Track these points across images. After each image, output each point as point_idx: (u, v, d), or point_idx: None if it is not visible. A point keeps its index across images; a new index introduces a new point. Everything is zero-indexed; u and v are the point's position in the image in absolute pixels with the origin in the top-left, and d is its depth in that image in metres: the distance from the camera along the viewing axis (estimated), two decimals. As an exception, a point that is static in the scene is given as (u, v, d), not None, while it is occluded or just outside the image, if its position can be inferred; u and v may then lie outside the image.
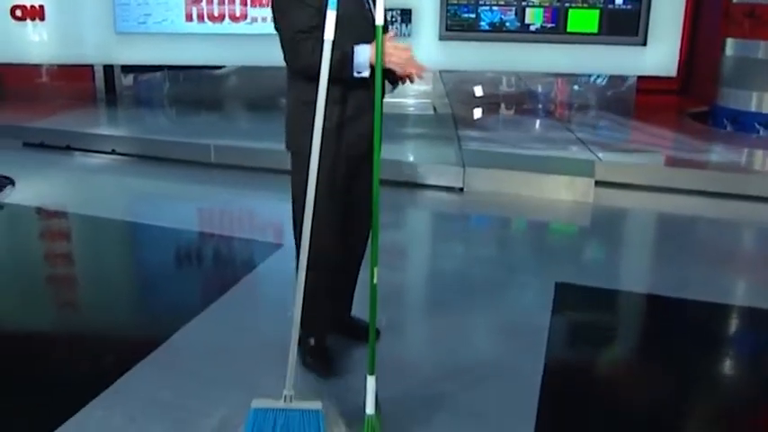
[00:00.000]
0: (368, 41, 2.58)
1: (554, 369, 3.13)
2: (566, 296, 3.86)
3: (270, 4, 2.77)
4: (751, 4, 6.99)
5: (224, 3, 7.78)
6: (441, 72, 8.86)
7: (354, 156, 2.82)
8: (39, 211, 5.45)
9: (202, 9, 7.81)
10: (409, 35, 7.52)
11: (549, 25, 7.51)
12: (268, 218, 5.43)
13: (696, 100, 8.50)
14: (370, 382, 2.50)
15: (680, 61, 7.72)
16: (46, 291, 4.19)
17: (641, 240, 5.32)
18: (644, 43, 7.48)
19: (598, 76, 8.95)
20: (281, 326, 2.90)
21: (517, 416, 2.79)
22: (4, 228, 5.29)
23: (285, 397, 2.47)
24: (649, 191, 5.78)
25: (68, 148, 6.99)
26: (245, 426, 2.43)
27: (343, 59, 2.57)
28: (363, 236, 3.01)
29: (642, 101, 8.65)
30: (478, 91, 9.10)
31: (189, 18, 7.84)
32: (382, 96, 2.56)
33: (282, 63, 2.77)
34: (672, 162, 6.39)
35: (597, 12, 7.45)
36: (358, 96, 2.74)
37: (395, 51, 2.62)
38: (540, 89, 9.20)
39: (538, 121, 8.02)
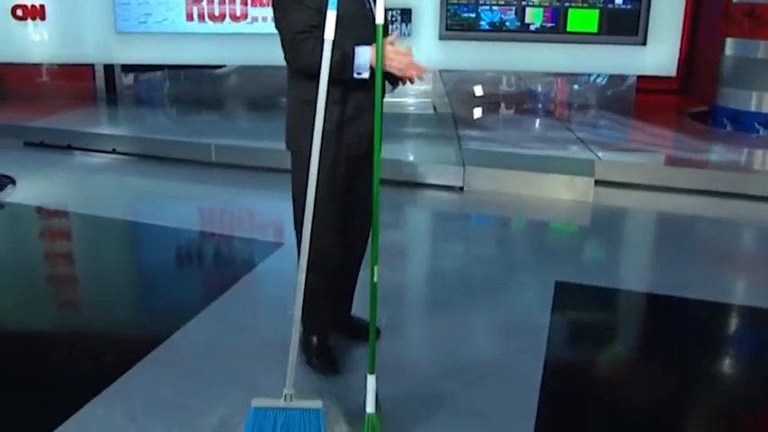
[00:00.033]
0: (368, 41, 2.58)
1: (554, 368, 3.14)
2: (565, 295, 3.87)
3: (270, 3, 2.78)
4: (751, 4, 6.99)
5: (224, 2, 7.78)
6: (441, 71, 8.85)
7: (354, 156, 2.83)
8: (39, 210, 5.45)
9: (203, 8, 7.81)
10: (409, 35, 7.53)
11: (549, 25, 7.52)
12: (268, 217, 5.44)
13: (696, 99, 8.51)
14: (371, 381, 2.50)
15: (680, 61, 7.72)
16: (47, 290, 4.19)
17: (641, 239, 5.33)
18: (644, 43, 7.48)
19: (598, 76, 8.95)
20: (281, 325, 2.91)
21: (517, 415, 2.79)
22: (5, 227, 5.30)
23: (285, 396, 2.47)
24: (649, 190, 5.79)
25: (69, 148, 7.00)
26: (246, 424, 2.43)
27: (343, 60, 2.58)
28: (363, 236, 3.01)
29: (642, 100, 8.65)
30: (478, 90, 9.10)
31: (189, 18, 7.85)
32: (382, 96, 2.57)
33: (283, 62, 2.77)
34: (672, 161, 6.40)
35: (597, 11, 7.45)
36: (358, 96, 2.75)
37: (395, 56, 2.62)
38: (539, 89, 9.20)
39: (538, 121, 8.02)
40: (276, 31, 2.75)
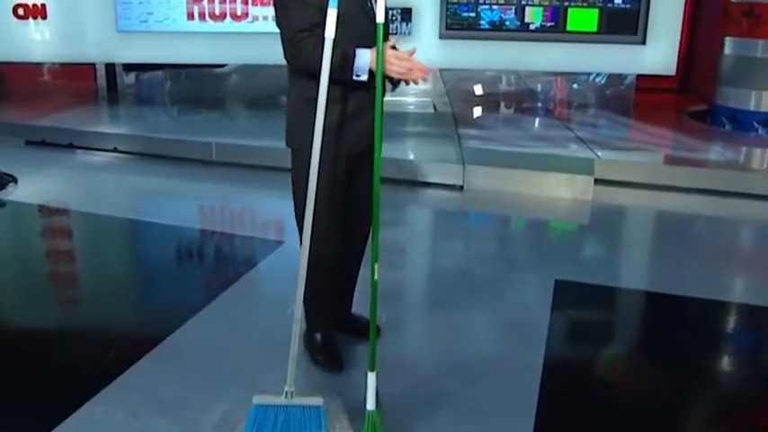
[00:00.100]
0: (369, 39, 2.57)
1: (553, 365, 3.15)
2: (565, 293, 3.88)
3: (272, 2, 2.78)
4: (750, 3, 7.00)
5: (225, 1, 7.80)
6: (441, 71, 8.85)
7: (355, 154, 2.83)
8: (41, 208, 5.47)
9: (204, 8, 7.83)
10: (409, 34, 7.54)
11: (549, 24, 7.53)
12: (269, 215, 5.45)
13: (695, 98, 8.53)
14: (371, 378, 2.51)
15: (679, 60, 7.73)
16: (48, 288, 4.20)
17: (640, 238, 5.35)
18: (643, 42, 7.49)
19: (597, 75, 8.97)
20: (282, 322, 2.91)
21: (517, 412, 2.80)
22: (7, 225, 5.32)
23: (286, 393, 2.48)
24: (648, 189, 5.80)
25: (70, 146, 7.01)
26: (246, 421, 2.44)
27: (343, 60, 2.59)
28: (364, 234, 3.03)
29: (641, 99, 8.67)
30: (478, 89, 9.11)
31: (190, 17, 7.86)
32: (383, 95, 2.58)
33: (283, 61, 2.78)
34: (671, 160, 6.42)
35: (596, 11, 7.46)
36: (358, 95, 2.75)
37: (396, 61, 2.62)
38: (539, 88, 9.20)
39: (537, 120, 8.04)
40: (277, 30, 2.75)
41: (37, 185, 5.90)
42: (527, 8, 7.52)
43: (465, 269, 4.33)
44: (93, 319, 3.72)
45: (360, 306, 3.23)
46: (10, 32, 8.07)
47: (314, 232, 2.55)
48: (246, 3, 7.77)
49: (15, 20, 8.04)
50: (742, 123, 7.16)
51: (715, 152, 6.59)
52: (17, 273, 4.38)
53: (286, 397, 2.48)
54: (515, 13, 7.55)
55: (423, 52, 2.76)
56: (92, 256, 4.61)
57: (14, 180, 5.79)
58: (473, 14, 7.59)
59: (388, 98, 2.76)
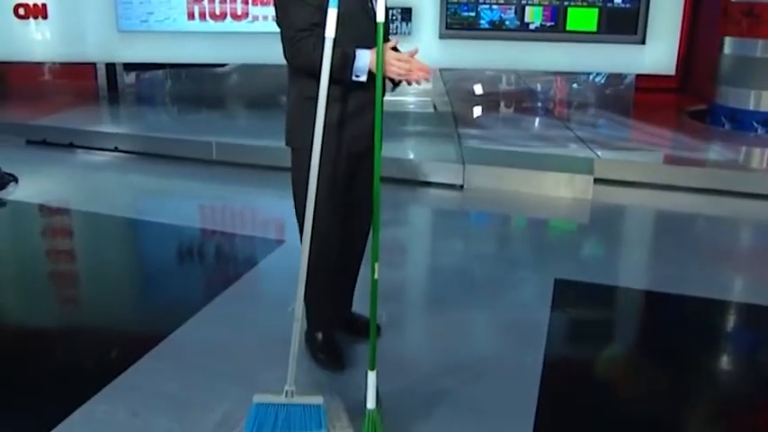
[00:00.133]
0: (369, 39, 2.58)
1: (553, 364, 3.16)
2: (565, 292, 3.89)
3: (272, 1, 2.79)
4: (749, 3, 7.01)
5: (226, 1, 7.80)
6: (441, 70, 8.87)
7: (355, 153, 2.84)
8: (42, 207, 5.47)
9: (204, 7, 7.84)
10: (409, 33, 7.55)
11: (549, 24, 7.53)
12: (269, 214, 5.46)
13: (694, 98, 8.53)
14: (371, 377, 2.52)
15: (678, 59, 7.73)
16: (49, 287, 4.21)
17: (640, 237, 5.35)
18: (643, 41, 7.49)
19: (597, 75, 8.97)
20: (282, 321, 2.92)
21: (517, 411, 2.81)
22: (8, 224, 5.32)
23: (286, 392, 2.49)
24: (648, 188, 5.81)
25: (71, 146, 7.02)
26: (247, 420, 2.45)
27: (343, 60, 2.59)
28: (364, 233, 3.04)
29: (641, 99, 8.68)
30: (478, 89, 9.12)
31: (191, 16, 7.87)
32: (383, 95, 2.58)
33: (283, 61, 2.78)
34: (670, 160, 6.43)
35: (596, 10, 7.46)
36: (358, 94, 2.76)
37: (395, 62, 2.62)
38: (539, 87, 9.21)
39: (537, 119, 8.04)
40: (277, 30, 2.76)
41: (38, 185, 5.91)
42: (527, 8, 7.52)
43: (465, 268, 4.33)
44: (94, 318, 3.73)
45: (360, 305, 3.24)
46: (11, 32, 8.07)
47: (314, 231, 2.56)
48: (247, 2, 7.78)
49: (16, 19, 8.05)
50: (741, 123, 7.17)
51: (714, 152, 6.60)
52: (18, 272, 4.39)
53: (286, 396, 2.49)
54: (515, 12, 7.56)
55: (423, 52, 2.77)
56: (92, 256, 4.62)
57: (15, 179, 5.80)
58: (473, 14, 7.59)
59: (388, 98, 2.76)
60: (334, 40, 2.46)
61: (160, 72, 9.40)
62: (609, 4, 7.44)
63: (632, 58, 7.60)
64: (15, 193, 5.65)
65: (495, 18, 7.58)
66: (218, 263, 4.59)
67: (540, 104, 8.88)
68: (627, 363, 3.40)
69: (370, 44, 2.60)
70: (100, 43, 8.11)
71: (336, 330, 3.20)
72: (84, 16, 8.03)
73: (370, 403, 2.50)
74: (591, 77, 9.05)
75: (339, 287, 3.17)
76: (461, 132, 6.95)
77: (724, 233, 5.14)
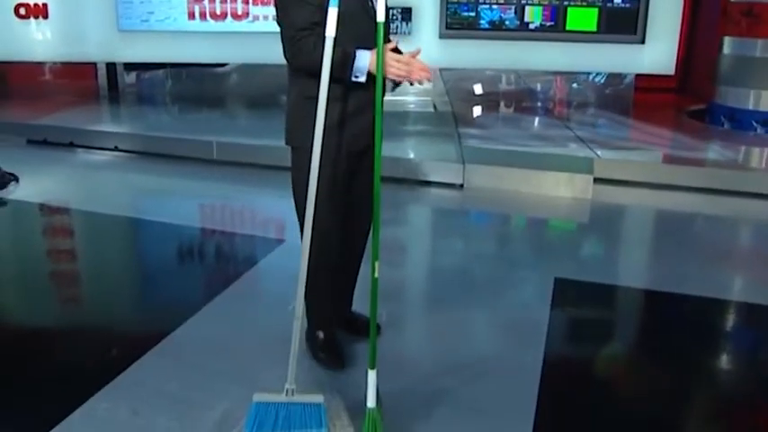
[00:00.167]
0: (369, 38, 2.57)
1: (553, 363, 3.16)
2: (565, 291, 3.89)
3: (272, 1, 2.79)
4: (749, 3, 7.02)
5: (226, 1, 7.81)
6: (441, 70, 8.88)
7: (355, 152, 2.84)
8: (42, 207, 5.48)
9: (205, 7, 7.85)
10: (409, 33, 7.56)
11: (549, 23, 7.55)
12: (269, 214, 5.47)
13: (694, 98, 8.54)
14: (371, 376, 2.52)
15: (678, 59, 7.74)
16: (50, 286, 4.21)
17: (639, 237, 5.36)
18: (642, 41, 7.50)
19: (597, 74, 8.98)
20: (282, 320, 2.92)
21: (517, 410, 2.81)
22: (9, 224, 5.33)
23: (287, 390, 2.49)
24: (647, 188, 5.82)
25: (71, 145, 7.03)
26: (247, 419, 2.45)
27: (344, 60, 2.59)
28: (364, 232, 3.04)
29: (640, 99, 8.69)
30: (478, 89, 9.13)
31: (191, 16, 7.88)
32: (383, 94, 2.58)
33: (283, 60, 2.78)
34: (670, 159, 6.44)
35: (596, 10, 7.47)
36: (359, 94, 2.75)
37: (395, 63, 2.62)
38: (539, 87, 9.22)
39: (537, 119, 8.05)
40: (277, 30, 2.76)
41: (38, 184, 5.91)
42: (527, 7, 7.54)
43: (465, 267, 4.34)
44: (95, 317, 3.74)
45: (360, 304, 3.25)
46: (11, 32, 8.09)
47: (314, 230, 2.56)
48: (247, 2, 7.79)
49: (17, 19, 8.07)
50: (741, 122, 7.18)
51: (714, 151, 6.60)
52: (19, 271, 4.39)
53: (287, 394, 2.49)
54: (515, 12, 7.56)
55: (423, 52, 2.77)
56: (93, 255, 4.62)
57: (16, 179, 5.80)
58: (473, 14, 7.60)
59: (388, 97, 2.77)
60: (335, 39, 2.46)
61: (160, 72, 9.41)
62: (609, 4, 7.45)
63: (632, 57, 7.61)
64: (16, 192, 5.65)
65: (495, 18, 7.59)
66: (218, 262, 4.60)
67: (539, 104, 8.89)
68: (627, 362, 3.40)
69: (370, 44, 2.59)
70: (100, 43, 8.13)
71: (337, 329, 3.21)
72: (85, 16, 8.04)
73: (371, 402, 2.51)
74: (591, 77, 9.06)
75: (339, 286, 3.17)
76: (461, 132, 6.95)
77: (723, 232, 5.14)
